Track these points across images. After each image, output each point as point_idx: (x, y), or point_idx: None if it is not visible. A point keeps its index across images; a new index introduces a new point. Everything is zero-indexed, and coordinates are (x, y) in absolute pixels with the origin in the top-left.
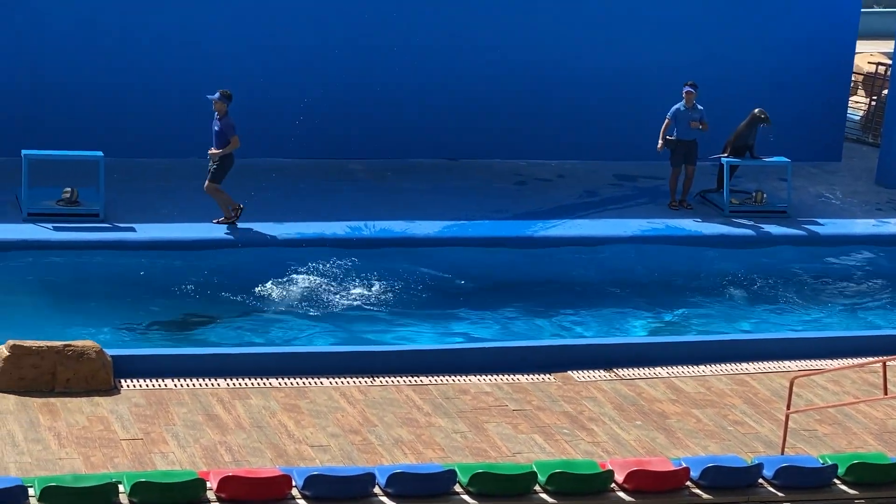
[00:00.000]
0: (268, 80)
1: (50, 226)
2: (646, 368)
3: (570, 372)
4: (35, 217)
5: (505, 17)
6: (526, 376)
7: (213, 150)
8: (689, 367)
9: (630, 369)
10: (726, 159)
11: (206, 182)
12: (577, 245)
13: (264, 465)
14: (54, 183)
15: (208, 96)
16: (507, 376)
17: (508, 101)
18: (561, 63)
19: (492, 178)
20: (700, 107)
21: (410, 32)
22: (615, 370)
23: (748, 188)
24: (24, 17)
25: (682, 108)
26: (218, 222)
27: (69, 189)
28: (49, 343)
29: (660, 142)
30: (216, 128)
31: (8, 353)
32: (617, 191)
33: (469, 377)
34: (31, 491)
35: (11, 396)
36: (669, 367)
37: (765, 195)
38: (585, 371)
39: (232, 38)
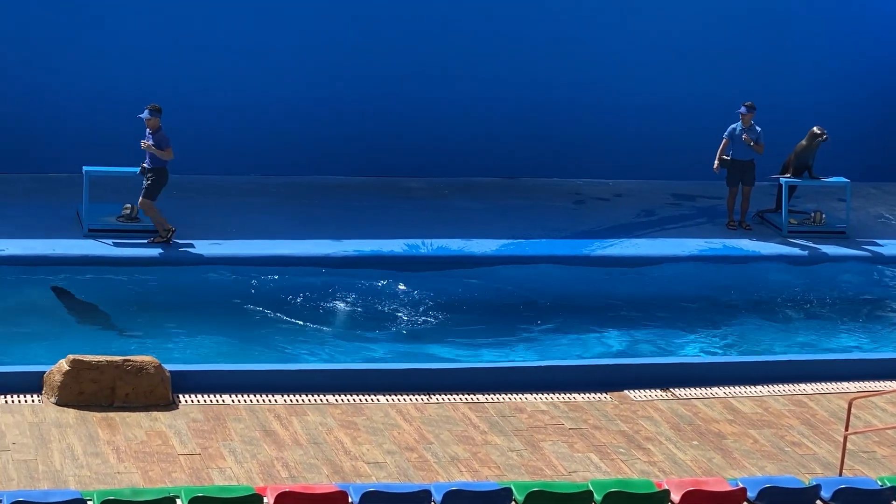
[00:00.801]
0: (326, 99)
1: (110, 241)
2: (703, 388)
3: (626, 391)
4: (95, 233)
5: (564, 37)
6: (582, 395)
7: (147, 161)
8: (747, 387)
9: (687, 389)
10: (785, 179)
11: (140, 198)
12: (634, 264)
13: (320, 482)
14: (115, 199)
15: (139, 116)
16: (563, 395)
17: (567, 120)
18: (619, 83)
19: (549, 197)
20: (758, 128)
21: (470, 52)
22: (672, 389)
23: (807, 208)
24: (91, 35)
25: (739, 129)
26: (152, 242)
27: (129, 205)
28: (109, 358)
29: (716, 162)
30: (150, 142)
31: (68, 368)
32: (675, 210)
33: (525, 395)
34: None
35: (71, 410)
36: (727, 387)
37: (824, 215)
38: (642, 390)
39: (292, 57)
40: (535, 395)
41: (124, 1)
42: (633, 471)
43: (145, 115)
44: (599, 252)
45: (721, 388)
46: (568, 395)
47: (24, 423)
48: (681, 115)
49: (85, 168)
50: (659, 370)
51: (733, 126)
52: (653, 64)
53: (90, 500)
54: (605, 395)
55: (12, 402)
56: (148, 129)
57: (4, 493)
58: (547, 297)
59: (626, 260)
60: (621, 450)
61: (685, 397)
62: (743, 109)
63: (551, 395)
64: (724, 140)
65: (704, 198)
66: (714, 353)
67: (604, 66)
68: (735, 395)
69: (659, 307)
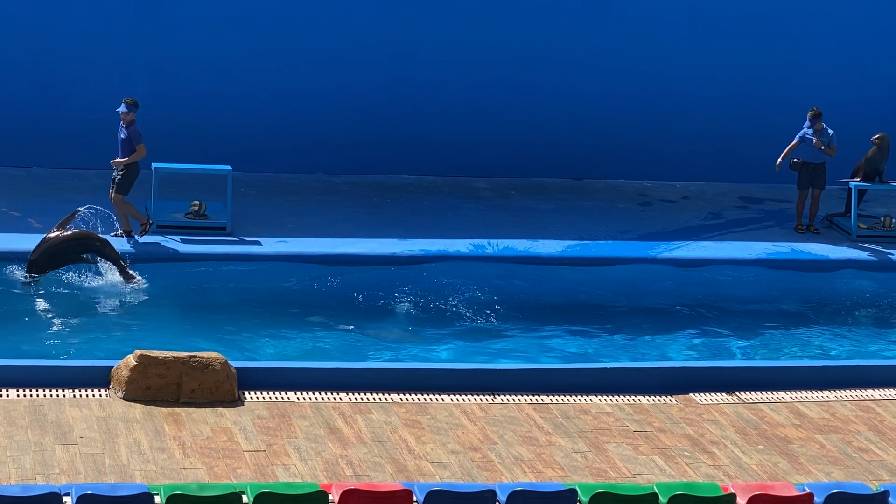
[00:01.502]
0: (395, 98)
1: (178, 238)
2: (769, 392)
3: (691, 394)
4: (164, 229)
5: (633, 39)
6: (647, 397)
7: (118, 160)
8: (813, 392)
9: (753, 393)
10: (854, 183)
11: (112, 193)
12: (701, 266)
13: (385, 480)
14: (183, 196)
15: (117, 110)
16: (628, 397)
17: (634, 122)
18: (688, 84)
19: (616, 199)
20: (830, 131)
21: (539, 54)
22: (737, 393)
23: (877, 213)
24: (159, 35)
25: (810, 132)
26: (117, 235)
27: (197, 202)
28: (175, 354)
29: (779, 159)
30: (122, 136)
31: (135, 363)
32: (742, 213)
33: (590, 397)
34: (157, 498)
35: (138, 405)
36: (793, 392)
37: (894, 220)
38: (707, 394)
39: (362, 57)
40: (599, 396)
41: (200, 2)
42: (698, 474)
43: (122, 108)
44: (665, 254)
45: (787, 392)
46: (633, 397)
47: (91, 417)
48: (749, 116)
49: (154, 164)
50: (725, 374)
51: (805, 128)
52: (722, 65)
53: (157, 494)
54: (670, 397)
55: (80, 396)
56: (122, 123)
57: (73, 486)
58: (612, 299)
59: (693, 262)
60: (686, 453)
61: (751, 401)
62: (811, 113)
63: (616, 396)
64: (795, 141)
65: (773, 201)
66: (780, 358)
67: (672, 67)
68: (801, 399)
69: (725, 310)
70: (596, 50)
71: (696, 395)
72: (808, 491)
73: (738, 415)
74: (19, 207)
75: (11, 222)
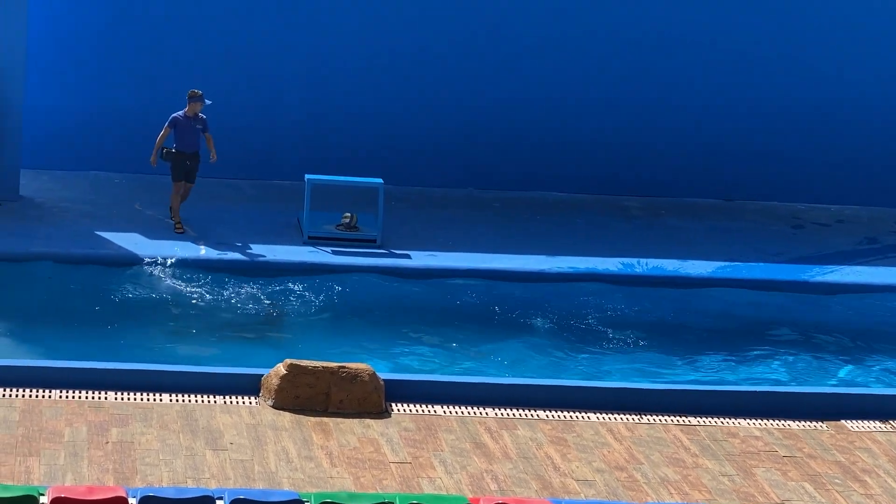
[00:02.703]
0: (546, 115)
1: (329, 249)
2: None
3: (843, 421)
4: (315, 240)
5: (788, 57)
6: (797, 423)
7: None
8: None
9: None
10: None
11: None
12: (854, 292)
13: (529, 496)
14: (335, 208)
15: (207, 102)
16: (777, 421)
17: (788, 142)
18: (843, 107)
19: (768, 221)
20: None
21: (691, 73)
22: (892, 422)
23: None
24: (309, 49)
25: None
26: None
27: (349, 214)
28: (325, 364)
29: None
30: (199, 126)
31: (285, 372)
32: None
33: (738, 420)
34: None
35: (287, 414)
36: None
37: None
38: (860, 421)
39: (514, 73)
40: (748, 420)
41: (344, 13)
42: (849, 503)
43: (209, 102)
44: (818, 278)
45: None
46: (782, 422)
47: (241, 424)
48: None
49: (307, 176)
50: (879, 401)
51: None
52: (879, 88)
53: (307, 501)
54: (821, 423)
55: (231, 403)
56: (198, 115)
57: (226, 490)
58: (762, 322)
59: (846, 287)
60: (837, 480)
61: None
62: None
63: (765, 421)
64: None
65: None
66: None
67: (827, 84)
68: None
69: (879, 337)
70: (751, 71)
71: (849, 422)
72: None
73: (892, 443)
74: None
75: (167, 230)
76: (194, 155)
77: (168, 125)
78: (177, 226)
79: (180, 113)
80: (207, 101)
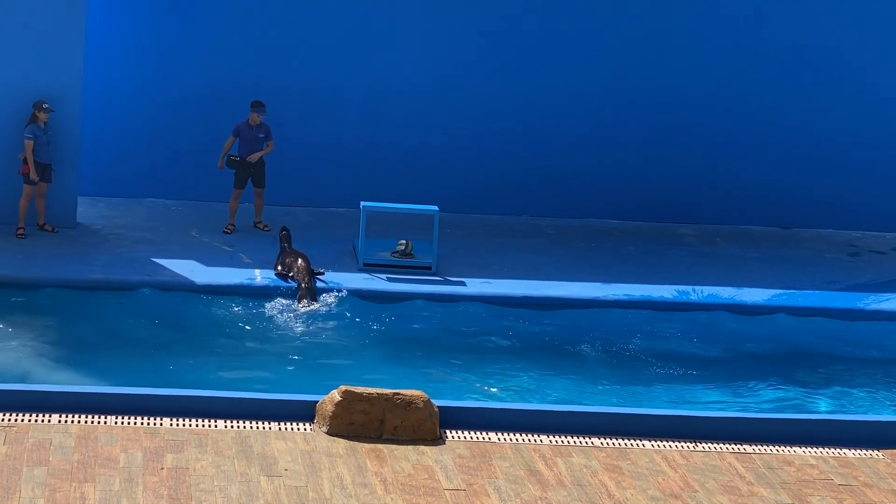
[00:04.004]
0: (602, 142)
1: (384, 276)
2: None
3: None
4: (370, 267)
5: (845, 92)
6: (853, 451)
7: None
8: None
9: None
10: None
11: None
12: None
13: None
14: (391, 234)
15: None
16: (833, 450)
17: (844, 170)
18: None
19: (824, 248)
20: None
21: (743, 99)
22: None
23: None
24: (367, 78)
25: None
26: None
27: (404, 241)
28: (379, 390)
29: None
30: (262, 135)
31: (340, 399)
32: None
33: (794, 448)
34: None
35: (342, 440)
36: None
37: None
38: None
39: (568, 101)
40: (803, 448)
41: (402, 45)
42: None
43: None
44: (874, 306)
45: None
46: (838, 450)
47: (296, 450)
48: None
49: (363, 203)
50: None
51: None
52: None
53: None
54: (877, 452)
55: (286, 429)
56: (260, 124)
57: None
58: (818, 350)
59: None
60: None
61: None
62: None
63: (821, 449)
64: None
65: None
66: None
67: (884, 119)
68: None
69: None
70: (805, 97)
71: None
72: None
73: None
74: (231, 242)
75: (224, 257)
76: (258, 161)
77: (232, 133)
78: (229, 226)
79: (243, 122)
80: (265, 114)
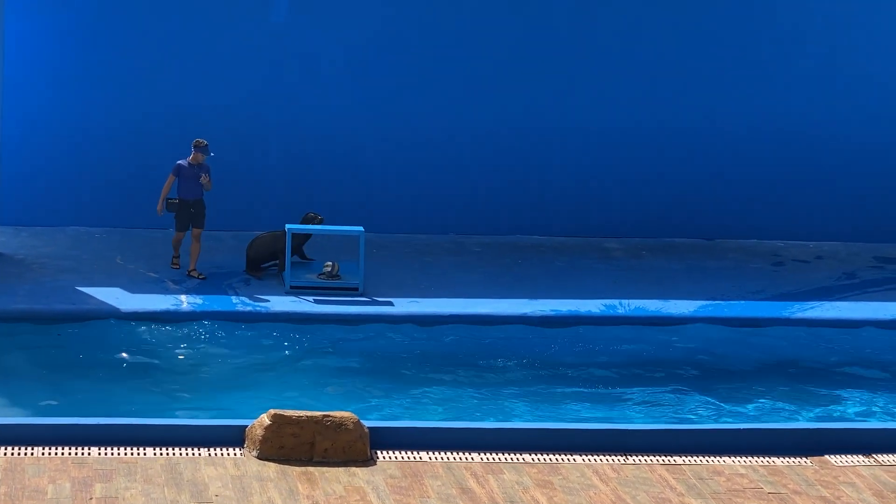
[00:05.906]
0: (524, 159)
1: (311, 299)
2: None
3: (827, 456)
4: (297, 290)
5: (763, 99)
6: (781, 459)
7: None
8: None
9: (891, 455)
10: None
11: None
12: (835, 327)
13: None
14: (317, 257)
15: (211, 154)
16: (762, 458)
17: (766, 182)
18: (819, 144)
19: (748, 259)
20: None
21: (666, 113)
22: (875, 456)
23: None
24: (289, 100)
25: None
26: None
27: (330, 263)
28: (309, 413)
29: None
30: (202, 173)
31: (269, 422)
32: (878, 273)
33: (723, 458)
34: None
35: (272, 464)
36: None
37: None
38: (843, 455)
39: (493, 119)
40: (733, 457)
41: (326, 63)
42: None
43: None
44: (799, 314)
45: None
46: (767, 458)
47: (226, 475)
48: (885, 175)
49: (287, 226)
50: (862, 436)
51: None
52: (855, 125)
53: None
54: (805, 459)
55: (216, 454)
56: (201, 165)
57: None
58: (745, 360)
59: (827, 322)
60: None
61: (889, 464)
62: None
63: (750, 458)
64: None
65: None
66: None
67: (804, 123)
68: None
69: (860, 371)
70: (724, 110)
71: (832, 456)
72: None
73: (876, 478)
74: (156, 268)
75: (149, 283)
76: (197, 202)
77: (172, 173)
78: (174, 260)
79: (184, 161)
80: (211, 154)
